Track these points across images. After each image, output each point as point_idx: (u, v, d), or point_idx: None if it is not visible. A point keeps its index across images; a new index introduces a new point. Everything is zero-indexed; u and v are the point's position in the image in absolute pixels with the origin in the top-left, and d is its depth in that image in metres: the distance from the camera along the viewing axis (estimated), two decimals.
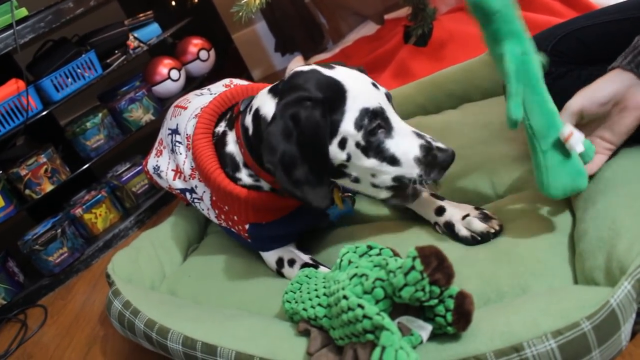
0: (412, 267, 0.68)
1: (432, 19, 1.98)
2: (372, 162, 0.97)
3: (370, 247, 0.86)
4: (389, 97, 1.00)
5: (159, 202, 1.98)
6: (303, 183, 0.93)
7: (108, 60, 1.91)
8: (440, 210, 1.04)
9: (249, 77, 2.57)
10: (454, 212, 1.02)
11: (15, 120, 1.63)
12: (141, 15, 2.14)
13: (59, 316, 1.60)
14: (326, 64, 1.03)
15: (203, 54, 2.27)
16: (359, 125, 0.95)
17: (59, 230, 1.74)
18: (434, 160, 0.95)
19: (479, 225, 0.97)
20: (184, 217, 1.51)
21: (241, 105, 1.10)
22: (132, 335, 1.12)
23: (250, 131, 1.04)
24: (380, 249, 0.85)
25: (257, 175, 1.08)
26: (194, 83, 2.23)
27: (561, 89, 1.06)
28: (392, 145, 0.96)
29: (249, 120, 1.05)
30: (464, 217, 1.00)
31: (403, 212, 1.17)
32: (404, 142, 0.96)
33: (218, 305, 1.12)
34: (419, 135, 0.97)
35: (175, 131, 1.39)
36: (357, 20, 2.61)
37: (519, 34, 0.88)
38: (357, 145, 0.96)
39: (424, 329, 0.74)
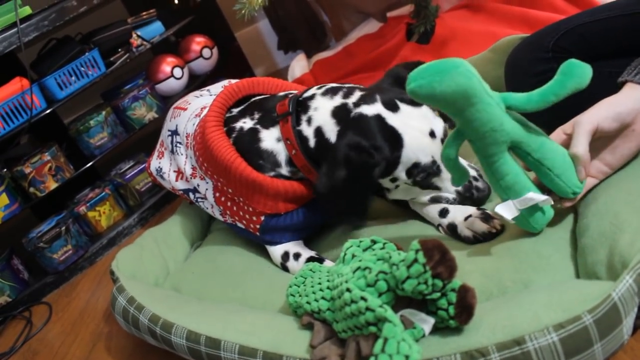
0: (415, 260, 0.69)
1: (435, 16, 1.98)
2: (416, 191, 1.09)
3: (374, 242, 0.87)
4: (444, 139, 1.04)
5: (163, 200, 1.98)
6: (345, 209, 1.05)
7: (111, 59, 1.92)
8: (444, 212, 1.06)
9: (251, 75, 2.57)
10: (457, 213, 1.04)
11: (20, 119, 1.64)
12: (144, 13, 2.14)
13: (63, 313, 1.61)
14: (391, 101, 1.04)
15: (206, 52, 2.28)
16: (409, 174, 1.04)
17: (63, 228, 1.74)
18: (470, 197, 1.07)
19: (481, 226, 0.98)
20: (188, 215, 1.51)
21: (289, 106, 1.12)
22: (136, 331, 1.13)
23: (312, 144, 1.09)
24: (384, 243, 0.85)
25: (305, 175, 1.13)
26: (197, 81, 2.24)
27: None
28: (438, 181, 1.07)
29: (309, 132, 1.09)
30: (466, 218, 1.02)
31: (407, 211, 1.17)
32: (449, 180, 1.04)
33: (222, 301, 1.13)
34: None
35: (174, 132, 1.39)
36: (359, 18, 2.61)
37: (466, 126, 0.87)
38: (406, 183, 1.07)
39: (426, 322, 0.74)
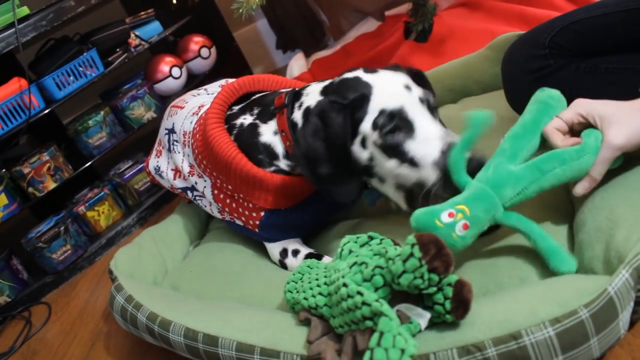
0: (411, 254, 0.69)
1: (433, 14, 1.98)
2: (392, 163, 0.97)
3: (371, 237, 0.87)
4: (423, 100, 0.99)
5: (161, 200, 1.99)
6: (326, 179, 1.00)
7: (110, 59, 1.92)
8: None
9: (250, 75, 2.57)
10: None
11: (18, 119, 1.64)
12: (142, 13, 2.15)
13: (62, 313, 1.61)
14: (373, 69, 1.05)
15: (204, 52, 2.28)
16: (375, 125, 0.97)
17: (62, 228, 1.75)
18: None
19: None
20: (186, 214, 1.52)
21: (285, 99, 1.12)
22: (134, 330, 1.13)
23: (299, 126, 1.07)
24: (381, 239, 0.85)
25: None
26: (195, 81, 2.24)
27: (559, 82, 1.07)
28: (413, 147, 0.94)
29: (298, 115, 1.08)
30: None
31: None
32: (426, 145, 0.93)
33: (220, 299, 1.13)
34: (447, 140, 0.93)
35: (171, 130, 1.40)
36: (357, 17, 2.61)
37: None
38: (375, 144, 0.98)
39: (423, 317, 0.74)
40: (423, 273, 0.69)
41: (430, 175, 0.92)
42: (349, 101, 0.98)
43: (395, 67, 1.07)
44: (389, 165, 0.97)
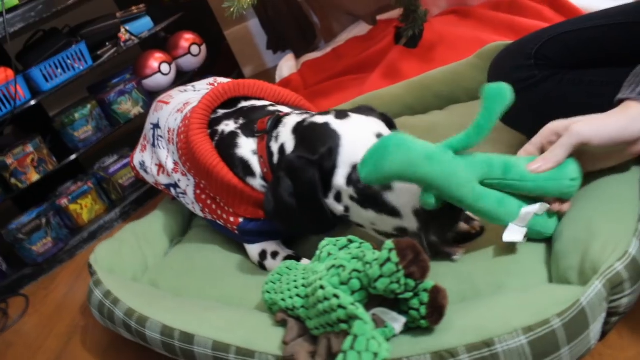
0: (388, 259, 0.69)
1: (423, 20, 1.99)
2: (369, 214, 0.96)
3: (350, 241, 0.87)
4: None
5: (145, 195, 1.98)
6: (300, 229, 1.06)
7: (99, 52, 1.91)
8: None
9: (240, 74, 2.57)
10: None
11: (3, 109, 1.63)
12: (133, 8, 2.13)
13: (40, 306, 1.60)
14: (343, 111, 1.03)
15: (194, 49, 2.27)
16: (349, 180, 0.95)
17: (44, 220, 1.73)
18: (437, 214, 0.89)
19: (461, 226, 0.98)
20: (169, 211, 1.51)
21: (267, 125, 1.11)
22: (111, 325, 1.12)
23: (275, 160, 1.08)
24: (361, 243, 0.86)
25: None
26: (184, 77, 2.23)
27: (543, 92, 1.08)
28: (392, 197, 0.92)
29: (275, 148, 1.08)
30: None
31: None
32: (405, 194, 0.91)
33: (199, 297, 1.13)
34: None
35: (156, 126, 1.39)
36: (349, 20, 2.62)
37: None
38: (352, 198, 0.96)
39: (398, 321, 0.75)
40: (399, 278, 0.69)
41: (411, 222, 0.92)
42: (317, 156, 0.96)
43: (368, 110, 1.05)
44: (367, 215, 0.96)
